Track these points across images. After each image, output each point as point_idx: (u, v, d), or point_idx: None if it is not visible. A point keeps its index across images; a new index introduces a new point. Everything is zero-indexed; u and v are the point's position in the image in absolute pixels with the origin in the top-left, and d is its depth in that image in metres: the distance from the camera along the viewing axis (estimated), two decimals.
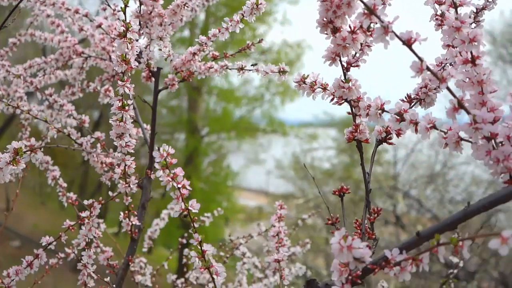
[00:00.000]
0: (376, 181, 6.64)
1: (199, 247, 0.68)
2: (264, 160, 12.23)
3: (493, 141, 0.55)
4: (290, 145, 11.34)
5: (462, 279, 5.39)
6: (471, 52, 0.56)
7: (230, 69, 0.99)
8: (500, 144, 0.54)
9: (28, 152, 0.69)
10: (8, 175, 0.72)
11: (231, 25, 0.92)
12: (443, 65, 0.72)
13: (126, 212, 1.00)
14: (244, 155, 12.41)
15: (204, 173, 11.56)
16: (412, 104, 0.72)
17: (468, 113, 0.53)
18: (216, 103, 12.34)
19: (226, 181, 11.68)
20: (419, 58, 0.53)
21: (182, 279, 1.54)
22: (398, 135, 0.70)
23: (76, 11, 1.12)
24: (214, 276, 0.67)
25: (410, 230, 5.83)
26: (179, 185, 0.65)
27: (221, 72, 0.99)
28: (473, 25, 0.73)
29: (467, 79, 0.56)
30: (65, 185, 1.13)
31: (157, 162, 0.64)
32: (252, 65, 0.94)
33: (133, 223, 1.00)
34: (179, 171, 0.65)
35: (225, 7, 9.26)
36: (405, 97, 0.72)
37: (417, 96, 0.71)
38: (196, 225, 0.70)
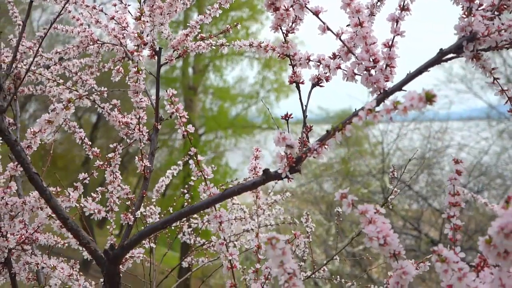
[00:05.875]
0: (370, 171, 7.01)
1: (195, 158, 1.01)
2: (262, 156, 12.47)
3: (373, 72, 0.88)
4: None
5: None
6: (359, 18, 0.89)
7: (214, 46, 1.33)
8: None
9: (78, 100, 1.02)
10: (62, 119, 1.05)
11: (212, 11, 1.26)
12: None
13: (140, 156, 1.33)
14: (242, 153, 12.73)
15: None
16: (336, 59, 1.05)
17: (354, 55, 0.86)
18: (212, 102, 12.68)
19: (225, 178, 12.01)
20: (323, 22, 0.86)
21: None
22: (326, 80, 1.03)
23: (94, 7, 1.45)
24: (205, 176, 1.01)
25: (397, 210, 6.18)
26: (181, 115, 0.98)
27: (207, 49, 1.33)
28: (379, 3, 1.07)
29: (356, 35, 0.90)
30: (90, 142, 1.45)
31: (165, 99, 0.97)
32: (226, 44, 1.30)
33: (145, 164, 1.33)
34: (180, 106, 0.98)
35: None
36: (332, 54, 1.05)
37: (339, 53, 1.04)
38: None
